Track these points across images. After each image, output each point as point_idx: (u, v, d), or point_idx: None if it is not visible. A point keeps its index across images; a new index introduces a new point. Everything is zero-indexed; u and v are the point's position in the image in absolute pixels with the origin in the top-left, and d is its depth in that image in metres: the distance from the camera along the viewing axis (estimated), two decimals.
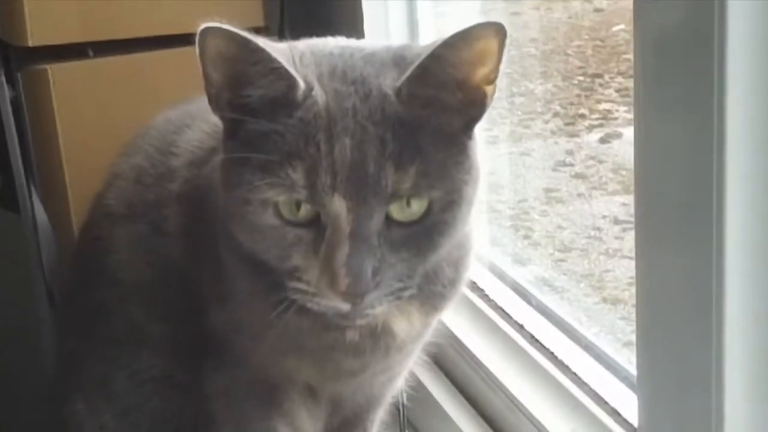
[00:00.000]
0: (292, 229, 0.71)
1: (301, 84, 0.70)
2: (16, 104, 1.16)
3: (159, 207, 0.88)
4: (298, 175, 0.69)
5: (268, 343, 0.83)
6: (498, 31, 0.69)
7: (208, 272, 0.84)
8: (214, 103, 0.73)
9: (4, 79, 1.13)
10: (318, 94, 0.71)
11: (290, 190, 0.69)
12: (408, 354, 0.88)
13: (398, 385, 0.97)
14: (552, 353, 0.99)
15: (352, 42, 0.80)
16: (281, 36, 1.27)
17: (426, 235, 0.72)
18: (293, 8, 1.28)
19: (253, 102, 0.71)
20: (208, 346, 0.87)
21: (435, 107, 0.71)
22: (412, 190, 0.69)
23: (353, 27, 1.20)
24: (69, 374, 0.97)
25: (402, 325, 0.81)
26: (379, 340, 0.81)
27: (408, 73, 0.70)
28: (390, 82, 0.71)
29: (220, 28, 0.68)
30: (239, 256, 0.78)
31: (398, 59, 0.74)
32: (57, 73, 1.16)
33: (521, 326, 1.04)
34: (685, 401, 0.66)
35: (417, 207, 0.71)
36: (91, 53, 1.18)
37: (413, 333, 0.83)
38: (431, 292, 0.81)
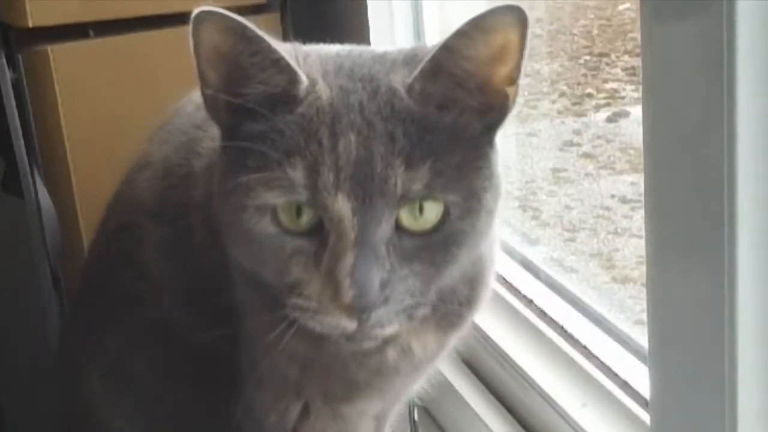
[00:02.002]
0: (292, 238, 0.65)
1: (304, 79, 0.66)
2: (17, 86, 1.15)
3: (185, 214, 0.82)
4: (298, 174, 0.63)
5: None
6: (517, 18, 0.63)
7: (229, 290, 0.79)
8: (211, 105, 0.68)
9: (5, 61, 1.12)
10: (322, 89, 0.66)
11: (289, 191, 0.64)
12: (424, 372, 0.84)
13: (413, 391, 0.92)
14: (561, 327, 0.98)
15: (361, 46, 0.75)
16: (283, 14, 1.25)
17: (441, 246, 0.66)
18: None
19: (251, 100, 0.66)
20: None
21: (451, 108, 0.66)
22: (425, 191, 0.64)
23: (356, 5, 1.18)
24: (84, 349, 0.91)
25: (418, 344, 0.76)
26: (397, 360, 0.76)
27: (419, 67, 0.65)
28: (401, 78, 0.67)
29: (215, 13, 0.64)
30: (242, 273, 0.73)
31: (410, 58, 0.69)
32: (58, 54, 1.15)
33: (530, 301, 1.04)
34: (698, 373, 0.65)
35: (431, 213, 0.65)
36: (92, 33, 1.17)
37: (429, 353, 0.78)
38: (447, 311, 0.75)
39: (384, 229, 0.64)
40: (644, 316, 0.95)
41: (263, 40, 0.64)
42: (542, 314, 1.01)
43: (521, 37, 0.64)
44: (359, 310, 0.63)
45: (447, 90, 0.66)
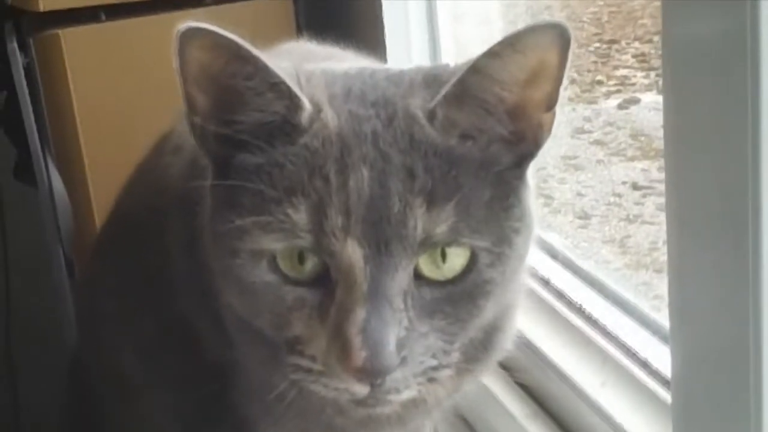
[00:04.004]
0: (293, 288, 0.57)
1: (307, 105, 0.58)
2: (29, 71, 1.14)
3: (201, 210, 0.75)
4: (300, 216, 0.55)
5: None
6: (559, 38, 0.55)
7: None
8: (199, 135, 0.60)
9: (16, 46, 1.12)
10: (328, 116, 0.58)
11: (290, 236, 0.56)
12: (432, 415, 0.77)
13: None
14: (579, 307, 0.97)
15: (375, 64, 0.68)
16: (296, 5, 1.24)
17: (467, 298, 0.58)
18: None
19: (246, 129, 0.58)
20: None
21: (478, 138, 0.58)
22: (449, 235, 0.56)
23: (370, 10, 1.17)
24: (117, 325, 0.84)
25: (430, 395, 0.66)
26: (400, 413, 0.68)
27: (444, 91, 0.57)
28: (420, 102, 0.58)
29: (204, 30, 0.55)
30: (236, 317, 0.65)
31: (430, 79, 0.60)
32: (69, 37, 1.14)
33: (546, 281, 1.03)
34: (721, 353, 0.64)
35: (456, 260, 0.57)
36: (103, 17, 1.16)
37: (442, 399, 0.70)
38: (466, 360, 0.65)
39: (401, 280, 0.56)
40: (658, 303, 0.96)
41: (259, 61, 0.56)
42: (559, 294, 1.00)
43: (562, 58, 0.56)
44: (372, 373, 0.55)
45: (474, 117, 0.58)
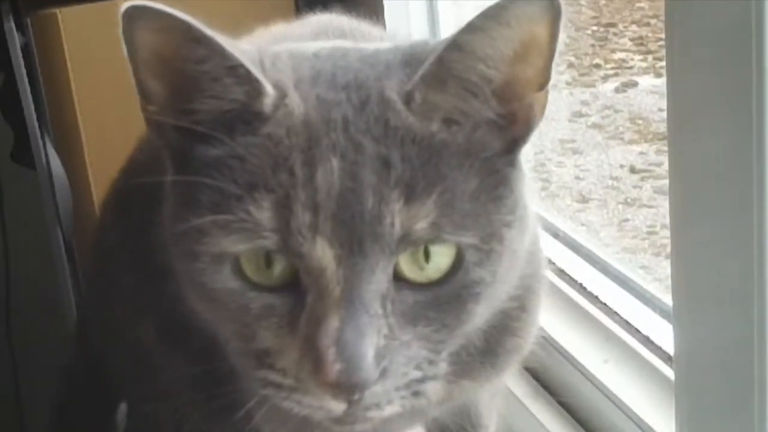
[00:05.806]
0: (260, 295, 0.52)
1: (269, 90, 0.52)
2: (26, 51, 1.13)
3: None
4: (263, 214, 0.50)
5: None
6: (548, 7, 0.50)
7: None
8: (155, 127, 0.54)
9: (13, 25, 1.11)
10: (294, 102, 0.52)
11: (253, 236, 0.50)
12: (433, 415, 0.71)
13: None
14: (581, 284, 0.97)
15: (347, 44, 0.61)
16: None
17: (454, 301, 0.52)
18: None
19: (202, 119, 0.53)
20: None
21: (462, 122, 0.53)
22: (431, 231, 0.50)
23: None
24: (134, 299, 0.79)
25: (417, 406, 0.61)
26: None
27: (421, 71, 0.52)
28: (396, 85, 0.53)
29: (149, 9, 0.50)
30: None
31: (409, 58, 0.54)
32: (67, 16, 1.13)
33: (549, 260, 1.03)
34: (725, 329, 0.64)
35: (440, 260, 0.52)
36: None
37: (435, 403, 0.63)
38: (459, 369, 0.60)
39: (378, 282, 0.51)
40: (657, 285, 0.96)
41: (214, 42, 0.51)
42: (561, 273, 1.00)
43: (552, 31, 0.50)
44: (348, 388, 0.50)
45: (457, 99, 0.53)
